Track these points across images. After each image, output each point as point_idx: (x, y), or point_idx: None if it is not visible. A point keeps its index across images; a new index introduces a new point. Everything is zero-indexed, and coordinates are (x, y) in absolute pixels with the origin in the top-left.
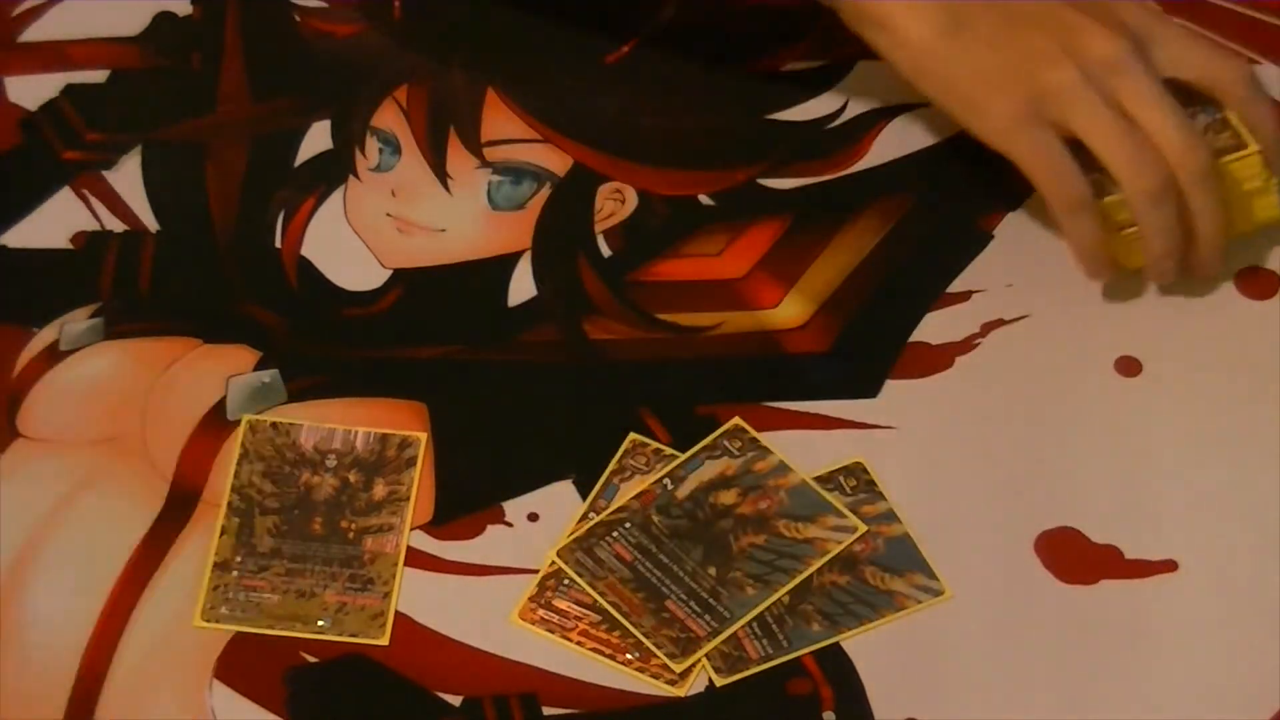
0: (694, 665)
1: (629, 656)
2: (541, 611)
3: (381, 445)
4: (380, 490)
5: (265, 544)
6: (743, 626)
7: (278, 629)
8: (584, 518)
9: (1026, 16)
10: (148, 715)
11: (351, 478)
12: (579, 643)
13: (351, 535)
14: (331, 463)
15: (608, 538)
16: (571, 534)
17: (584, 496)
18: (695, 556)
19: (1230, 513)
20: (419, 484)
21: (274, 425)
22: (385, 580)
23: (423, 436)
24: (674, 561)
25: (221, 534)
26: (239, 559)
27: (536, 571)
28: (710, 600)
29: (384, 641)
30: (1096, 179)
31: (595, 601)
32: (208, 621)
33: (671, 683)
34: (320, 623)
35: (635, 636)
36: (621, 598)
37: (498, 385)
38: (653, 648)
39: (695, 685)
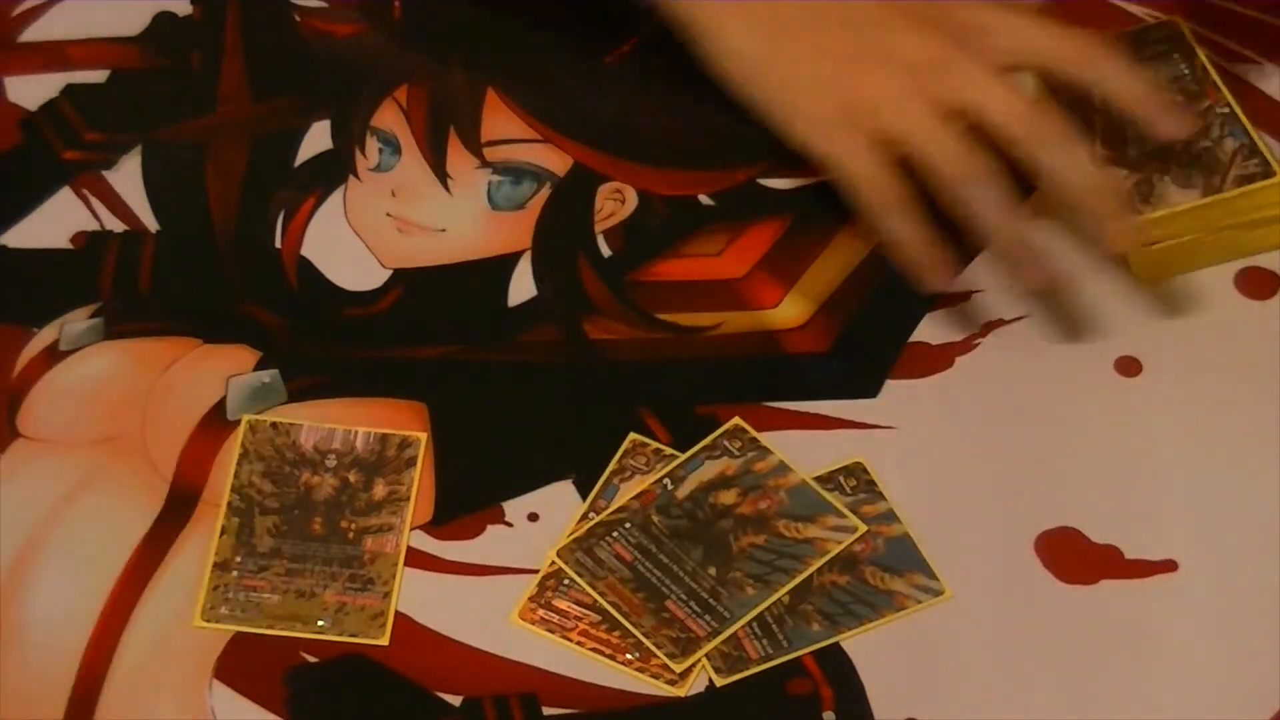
0: (694, 665)
1: (629, 656)
2: (541, 611)
3: (381, 445)
4: (380, 490)
5: (265, 544)
6: (743, 626)
7: (277, 629)
8: (584, 518)
9: (846, 22)
10: (148, 715)
11: (351, 478)
12: (579, 643)
13: (351, 535)
14: (331, 463)
15: (608, 538)
16: (571, 534)
17: (584, 496)
18: (695, 556)
19: (1230, 513)
20: (419, 484)
21: (274, 425)
22: (385, 580)
23: (423, 436)
24: (674, 561)
25: (221, 534)
26: (239, 559)
27: (536, 571)
28: (710, 600)
29: (384, 641)
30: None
31: (595, 601)
32: (207, 621)
33: (671, 683)
34: (320, 623)
35: (635, 636)
36: (621, 598)
37: (498, 385)
38: (653, 648)
39: (695, 685)
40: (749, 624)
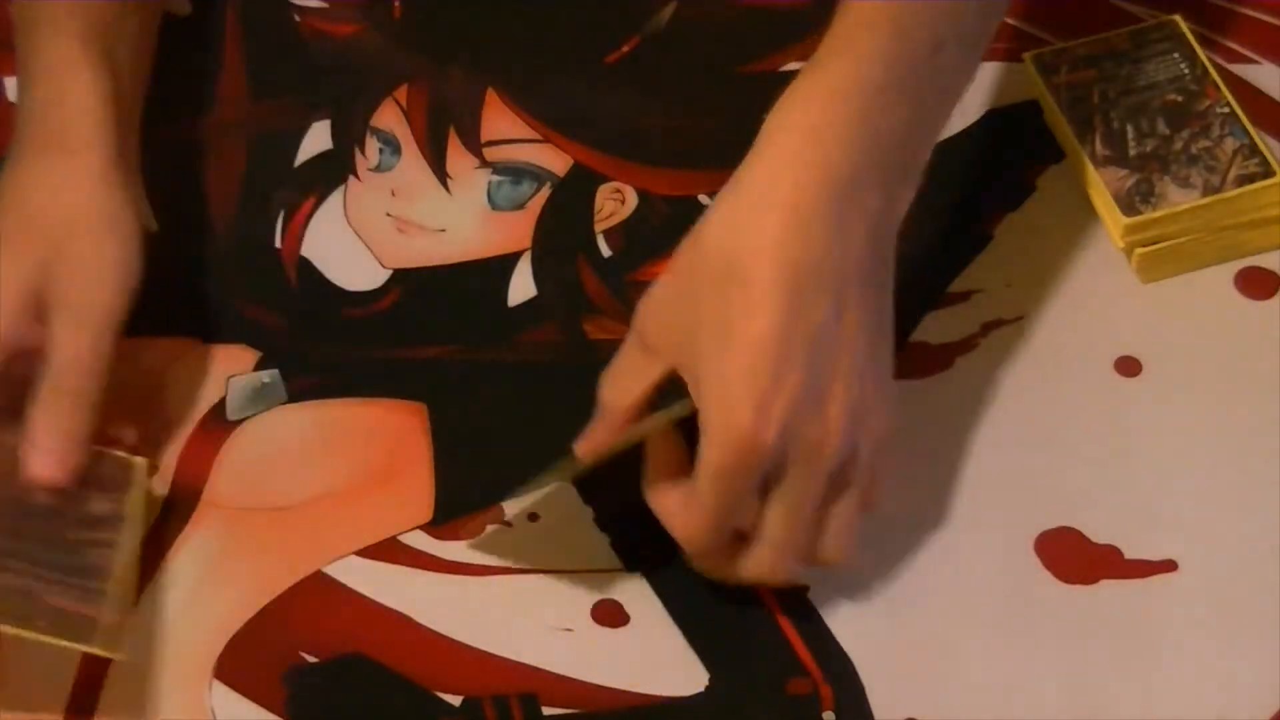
0: None
1: None
2: None
3: (97, 462)
4: (100, 506)
5: None
6: None
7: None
8: None
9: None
10: (148, 715)
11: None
12: None
13: (69, 544)
14: None
15: None
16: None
17: (584, 497)
18: None
19: (1230, 513)
20: (145, 508)
21: None
22: (116, 595)
23: (143, 462)
24: None
25: None
26: None
27: (537, 571)
28: None
29: (120, 656)
30: None
31: None
32: None
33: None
34: (39, 623)
35: None
36: None
37: (498, 385)
38: None
39: (695, 685)
40: None
